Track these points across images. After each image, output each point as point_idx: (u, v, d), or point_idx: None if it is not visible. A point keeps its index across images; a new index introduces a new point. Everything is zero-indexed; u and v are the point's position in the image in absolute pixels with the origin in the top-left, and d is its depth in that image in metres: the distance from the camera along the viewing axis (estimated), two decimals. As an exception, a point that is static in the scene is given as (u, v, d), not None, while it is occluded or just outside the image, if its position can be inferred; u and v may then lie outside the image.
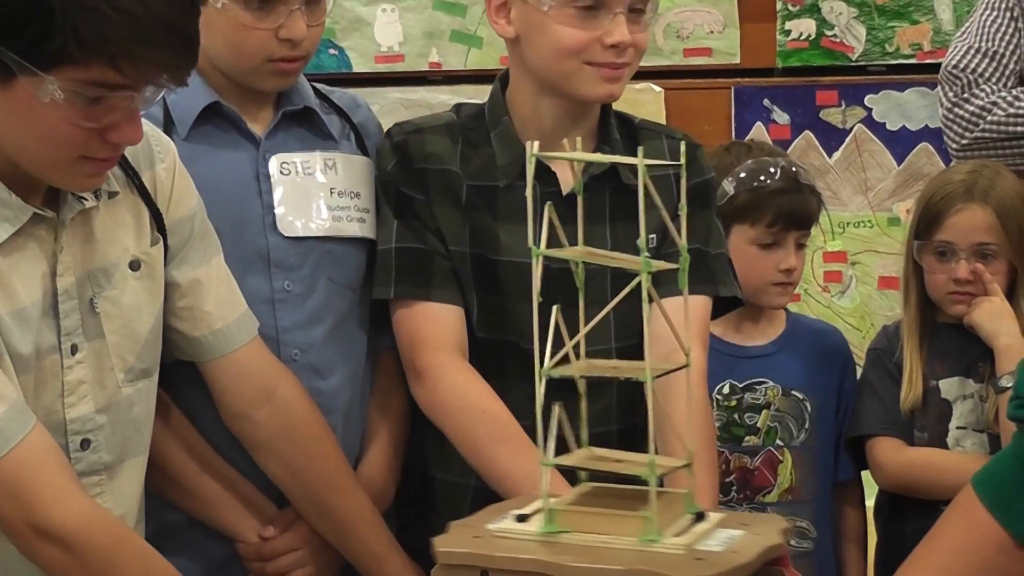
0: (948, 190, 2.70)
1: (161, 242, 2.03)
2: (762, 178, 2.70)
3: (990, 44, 3.03)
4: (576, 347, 1.65)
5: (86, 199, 1.92)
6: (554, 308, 1.62)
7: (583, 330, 1.66)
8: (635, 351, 1.77)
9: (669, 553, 1.54)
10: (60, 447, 1.88)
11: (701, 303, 2.28)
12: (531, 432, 1.88)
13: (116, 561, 1.84)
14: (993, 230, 2.66)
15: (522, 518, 1.62)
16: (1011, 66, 3.04)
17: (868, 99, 4.29)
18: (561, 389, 1.63)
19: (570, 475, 1.76)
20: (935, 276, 2.71)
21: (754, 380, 2.75)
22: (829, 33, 4.31)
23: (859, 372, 2.86)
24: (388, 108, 4.45)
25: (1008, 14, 3.04)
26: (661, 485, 1.65)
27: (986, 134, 2.99)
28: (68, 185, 1.89)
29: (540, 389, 1.61)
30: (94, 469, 1.96)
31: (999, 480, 1.70)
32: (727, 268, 2.35)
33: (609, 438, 2.09)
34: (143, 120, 1.86)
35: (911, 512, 2.66)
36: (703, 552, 1.55)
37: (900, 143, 4.28)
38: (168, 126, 2.18)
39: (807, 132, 4.32)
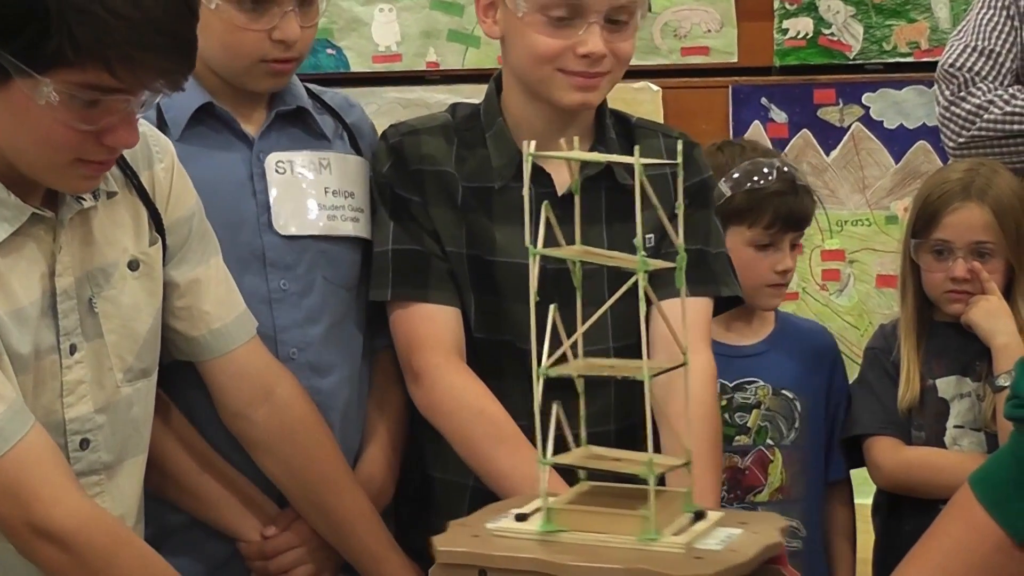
0: (945, 188, 2.70)
1: (160, 242, 2.04)
2: (758, 179, 2.70)
3: (986, 43, 3.03)
4: (574, 346, 1.65)
5: (85, 199, 1.92)
6: (551, 307, 1.62)
7: (580, 329, 1.66)
8: (633, 351, 1.77)
9: (668, 552, 1.54)
10: (59, 447, 1.88)
11: (703, 304, 2.28)
12: (529, 433, 1.89)
13: (114, 561, 1.84)
14: (990, 229, 2.66)
15: (521, 517, 1.63)
16: (1007, 64, 3.04)
17: (866, 97, 4.29)
18: (559, 389, 1.63)
19: (569, 475, 1.76)
20: (932, 275, 2.71)
21: (744, 380, 2.74)
22: (826, 32, 4.31)
23: (857, 371, 2.86)
24: (386, 108, 4.46)
25: (1004, 13, 3.04)
26: (662, 484, 1.65)
27: (982, 132, 2.99)
28: (64, 187, 1.89)
29: (538, 388, 1.61)
30: (93, 469, 1.96)
31: (997, 479, 1.70)
32: (728, 267, 2.35)
33: (607, 438, 2.09)
34: (141, 121, 1.86)
35: (909, 511, 2.66)
36: (702, 551, 1.55)
37: (898, 141, 4.28)
38: (161, 127, 2.18)
39: (805, 131, 4.33)
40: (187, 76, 1.81)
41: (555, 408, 1.61)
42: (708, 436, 2.18)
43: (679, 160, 1.67)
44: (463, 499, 2.27)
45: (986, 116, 2.99)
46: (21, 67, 1.73)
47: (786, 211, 2.70)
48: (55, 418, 1.91)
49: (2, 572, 1.90)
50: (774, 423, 2.75)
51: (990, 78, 3.03)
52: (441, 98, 4.31)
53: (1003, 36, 3.04)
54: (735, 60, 4.41)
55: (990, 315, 2.65)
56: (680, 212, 1.66)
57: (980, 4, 3.08)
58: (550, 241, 1.64)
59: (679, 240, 1.63)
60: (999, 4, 3.05)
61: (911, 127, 4.26)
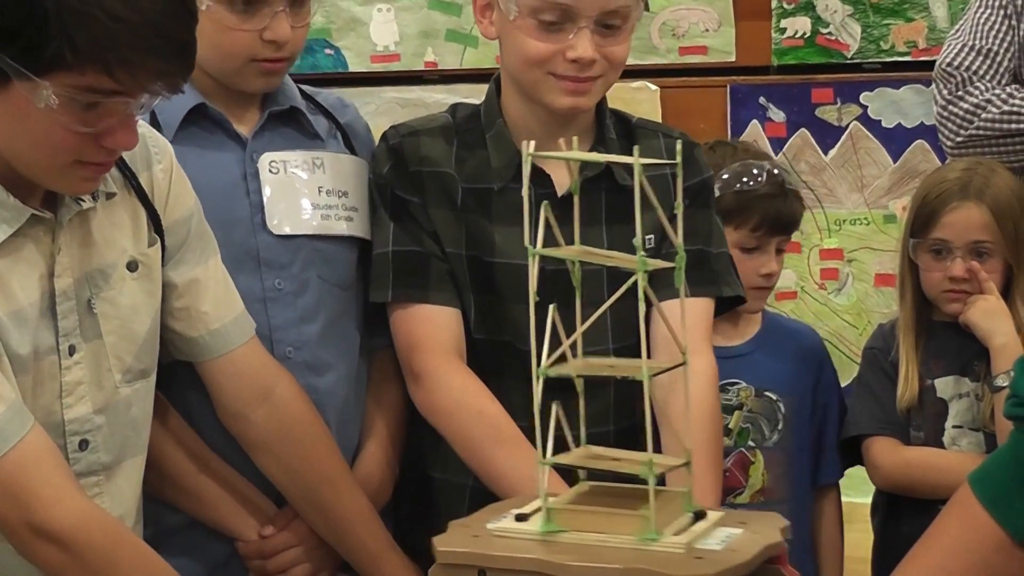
0: (943, 188, 2.70)
1: (158, 243, 2.04)
2: (747, 181, 2.70)
3: (984, 42, 3.03)
4: (573, 347, 1.65)
5: (84, 200, 1.92)
6: (550, 307, 1.62)
7: (580, 329, 1.66)
8: (632, 352, 1.78)
9: (668, 552, 1.54)
10: (58, 448, 1.88)
11: (704, 305, 2.28)
12: (529, 433, 1.89)
13: (114, 561, 1.84)
14: (989, 228, 2.66)
15: (521, 517, 1.63)
16: (1005, 64, 3.04)
17: (863, 97, 4.29)
18: (558, 390, 1.63)
19: (568, 475, 1.76)
20: (931, 274, 2.71)
21: (727, 381, 2.72)
22: (824, 31, 4.31)
23: (855, 370, 2.86)
24: (384, 107, 4.46)
25: (1002, 12, 3.04)
26: (662, 484, 1.65)
27: (980, 132, 2.99)
28: (63, 189, 1.89)
29: (537, 388, 1.61)
30: (92, 469, 1.96)
31: (996, 478, 1.70)
32: (729, 267, 2.34)
33: (606, 439, 2.09)
34: (140, 122, 1.86)
35: (907, 512, 2.65)
36: (702, 551, 1.55)
37: (896, 140, 4.28)
38: (155, 128, 2.18)
39: (803, 130, 4.33)
40: (186, 78, 1.81)
41: (555, 408, 1.61)
42: (709, 436, 2.18)
43: (678, 160, 1.67)
44: (462, 499, 2.27)
45: (984, 115, 2.99)
46: (20, 70, 1.73)
47: (773, 215, 2.71)
48: (54, 419, 1.91)
49: (3, 572, 1.90)
50: (756, 424, 2.74)
51: (988, 77, 3.03)
52: (439, 98, 4.32)
53: (1001, 35, 3.04)
54: (733, 59, 4.40)
55: (988, 315, 2.65)
56: (680, 212, 1.66)
57: (978, 3, 3.08)
58: (550, 242, 1.64)
59: (679, 240, 1.62)
60: (997, 3, 3.05)
61: (909, 126, 4.26)
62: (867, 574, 2.83)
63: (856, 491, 2.93)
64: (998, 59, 3.03)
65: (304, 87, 2.39)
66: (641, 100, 4.27)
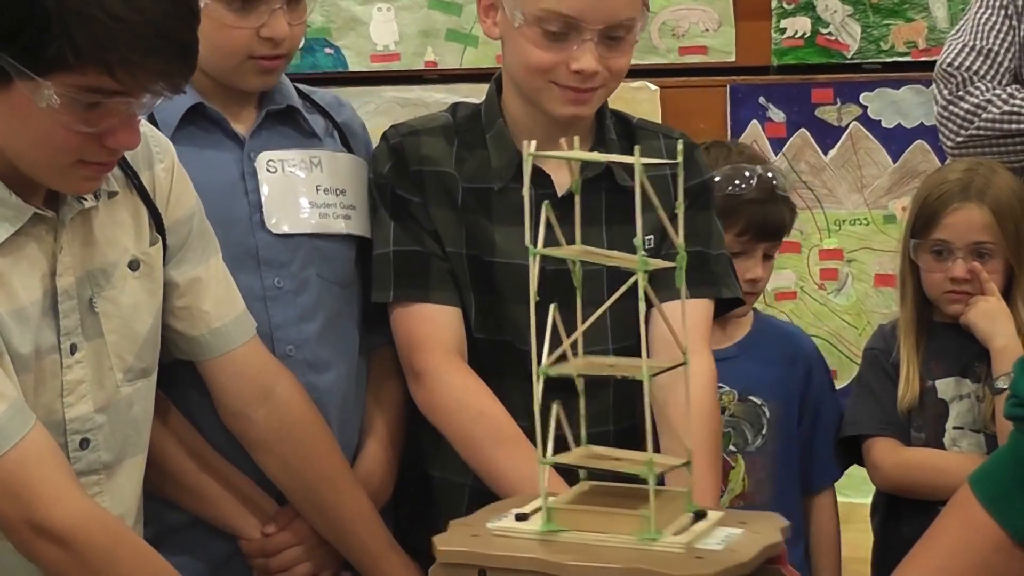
0: (944, 189, 2.70)
1: (160, 242, 2.04)
2: (737, 184, 2.68)
3: (985, 42, 3.03)
4: (573, 346, 1.65)
5: (86, 199, 1.92)
6: (551, 307, 1.62)
7: (580, 328, 1.66)
8: (632, 352, 1.77)
9: (668, 552, 1.54)
10: (59, 446, 1.88)
11: (703, 306, 2.28)
12: (530, 433, 1.89)
13: (114, 560, 1.85)
14: (990, 229, 2.66)
15: (521, 517, 1.63)
16: (1006, 64, 3.04)
17: (863, 97, 4.29)
18: (558, 390, 1.63)
19: (569, 475, 1.76)
20: (932, 275, 2.70)
21: None
22: (824, 31, 4.31)
23: (855, 370, 2.86)
24: (384, 107, 4.46)
25: (1003, 12, 3.04)
26: (662, 484, 1.65)
27: (981, 132, 2.99)
28: (65, 189, 1.89)
29: (538, 388, 1.61)
30: (93, 468, 1.96)
31: (996, 479, 1.70)
32: (728, 269, 2.34)
33: (606, 439, 2.09)
34: (142, 121, 1.86)
35: (907, 512, 2.65)
36: (702, 551, 1.55)
37: (895, 141, 4.28)
38: None
39: (803, 130, 4.32)
40: (188, 78, 1.82)
41: (555, 408, 1.61)
42: (708, 436, 2.17)
43: (679, 160, 1.67)
44: (462, 498, 2.27)
45: (984, 115, 2.99)
46: (22, 70, 1.73)
47: (760, 220, 2.69)
48: (55, 417, 1.91)
49: (2, 571, 1.90)
50: (738, 429, 2.72)
51: (988, 77, 3.03)
52: (439, 97, 4.31)
53: (1001, 35, 3.04)
54: (733, 59, 4.40)
55: (989, 316, 2.64)
56: (680, 212, 1.66)
57: (978, 3, 3.08)
58: (550, 242, 1.64)
59: (679, 240, 1.62)
60: (997, 3, 3.05)
61: (909, 126, 4.26)
62: (867, 575, 2.82)
63: (855, 491, 2.93)
64: (999, 59, 3.03)
65: (300, 86, 2.40)
66: (641, 100, 4.27)
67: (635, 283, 1.58)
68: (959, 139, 3.02)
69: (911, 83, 4.23)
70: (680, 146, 1.75)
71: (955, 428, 2.69)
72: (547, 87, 2.19)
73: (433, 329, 2.23)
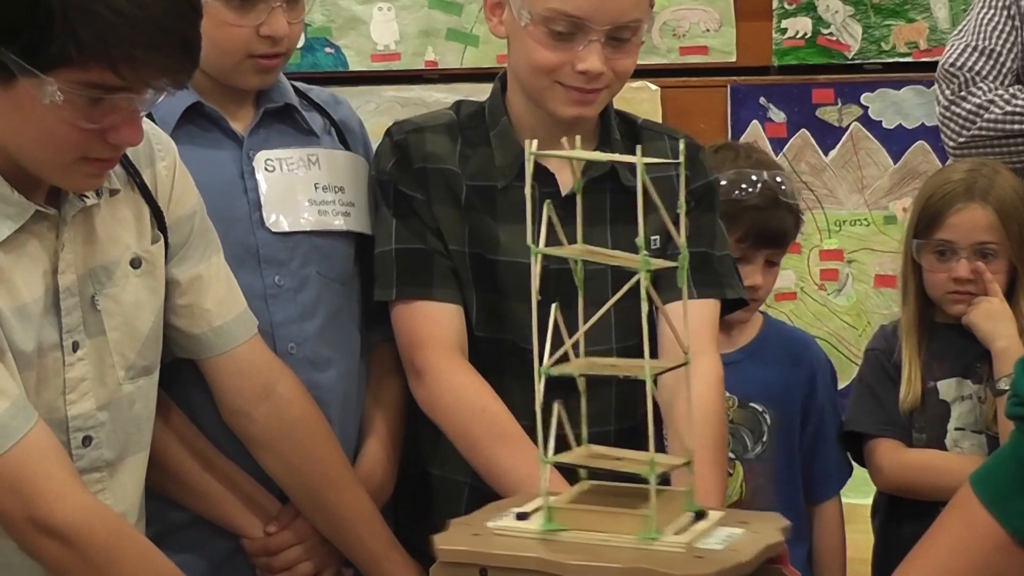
0: (948, 189, 2.69)
1: (162, 240, 2.04)
2: (740, 189, 2.65)
3: (987, 42, 3.03)
4: (575, 345, 1.65)
5: (88, 197, 1.93)
6: (553, 306, 1.62)
7: (582, 328, 1.66)
8: (636, 352, 1.77)
9: (669, 551, 1.54)
10: (62, 444, 1.88)
11: (709, 307, 2.27)
12: (530, 432, 1.89)
13: (116, 557, 1.85)
14: (994, 229, 2.65)
15: (522, 516, 1.62)
16: (1008, 64, 3.04)
17: (864, 97, 4.29)
18: (559, 389, 1.63)
19: (570, 474, 1.76)
20: (935, 275, 2.70)
21: None
22: (825, 31, 4.31)
23: (855, 371, 2.85)
24: (384, 106, 4.46)
25: (1005, 12, 3.04)
26: (665, 483, 1.65)
27: (983, 132, 2.99)
28: (69, 185, 1.89)
29: (539, 387, 1.61)
30: (95, 466, 1.97)
31: (997, 478, 1.70)
32: (732, 270, 2.34)
33: (607, 438, 2.08)
34: (144, 119, 1.86)
35: (908, 513, 2.65)
36: (703, 550, 1.55)
37: (896, 141, 4.28)
38: None
39: (803, 130, 4.32)
40: (191, 74, 1.82)
41: (556, 407, 1.61)
42: (713, 437, 2.16)
43: (681, 159, 1.67)
44: (461, 496, 2.28)
45: (986, 116, 2.99)
46: (25, 67, 1.73)
47: (760, 227, 2.64)
48: (57, 415, 1.91)
49: (3, 568, 1.90)
50: (737, 435, 2.67)
51: (990, 78, 3.03)
52: (439, 97, 4.31)
53: (1004, 36, 3.04)
54: (734, 60, 4.40)
55: (991, 317, 2.64)
56: (682, 212, 1.66)
57: (981, 4, 3.09)
58: (553, 241, 1.64)
59: (681, 239, 1.62)
60: (1000, 4, 3.05)
61: (910, 127, 4.26)
62: (867, 575, 2.82)
63: (856, 492, 2.92)
64: (1001, 60, 3.03)
65: (297, 84, 2.40)
66: (641, 100, 4.27)
67: (639, 283, 1.58)
68: (961, 139, 3.02)
69: (912, 84, 4.24)
70: (682, 145, 1.74)
71: (957, 429, 2.68)
72: (551, 87, 2.19)
73: (434, 327, 2.23)
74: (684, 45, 4.42)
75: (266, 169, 2.28)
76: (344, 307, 2.34)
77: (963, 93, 3.03)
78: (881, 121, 4.28)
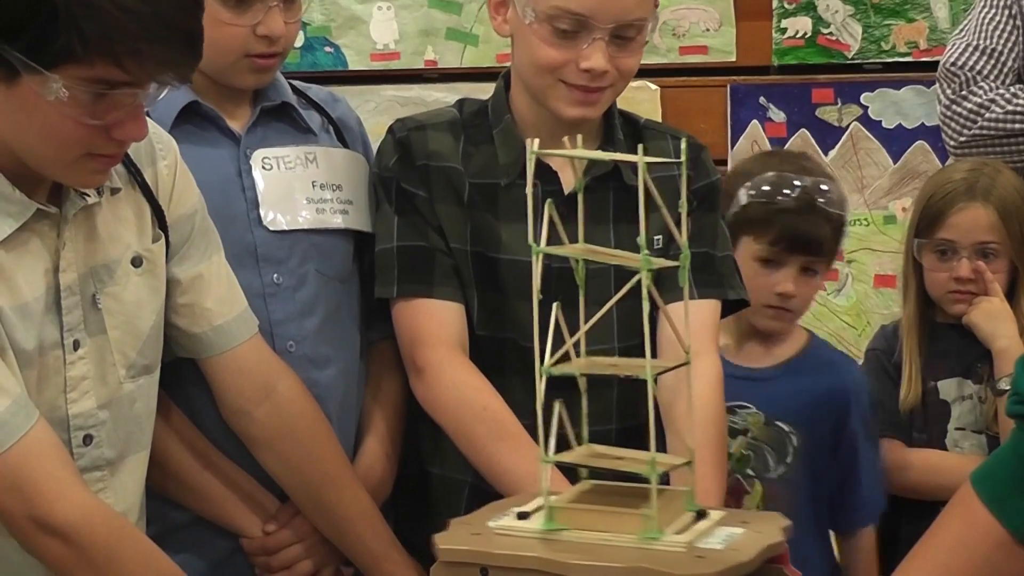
0: (950, 188, 2.69)
1: (163, 239, 2.04)
2: (777, 193, 2.60)
3: (988, 42, 3.03)
4: (576, 345, 1.65)
5: (88, 195, 1.93)
6: (554, 305, 1.62)
7: (583, 327, 1.66)
8: (637, 351, 1.77)
9: (669, 551, 1.54)
10: (63, 442, 1.88)
11: (710, 307, 2.27)
12: (531, 431, 1.89)
13: (117, 555, 1.85)
14: (995, 229, 2.66)
15: (523, 515, 1.63)
16: (1009, 64, 3.04)
17: (864, 97, 4.28)
18: (561, 388, 1.63)
19: (570, 474, 1.76)
20: (936, 275, 2.70)
21: (736, 403, 2.57)
22: (825, 31, 4.30)
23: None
24: (384, 106, 4.45)
25: (1006, 12, 3.05)
26: (667, 484, 1.65)
27: (984, 131, 2.99)
28: (73, 182, 1.89)
29: (540, 386, 1.61)
30: (96, 465, 1.96)
31: (998, 477, 1.70)
32: (734, 270, 2.33)
33: (607, 438, 2.08)
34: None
35: (908, 512, 2.65)
36: (703, 550, 1.55)
37: (896, 141, 4.27)
38: None
39: (803, 130, 4.32)
40: (194, 68, 1.82)
41: (557, 406, 1.61)
42: (713, 437, 2.16)
43: (683, 159, 1.67)
44: (461, 495, 2.27)
45: (987, 115, 2.99)
46: (29, 64, 1.73)
47: (792, 231, 2.58)
48: (58, 414, 1.91)
49: (4, 566, 1.90)
50: (759, 453, 2.62)
51: (992, 77, 3.03)
52: (439, 96, 4.31)
53: (1005, 35, 3.04)
54: (734, 59, 4.40)
55: (991, 317, 2.64)
56: (684, 211, 1.66)
57: (982, 3, 3.09)
58: (555, 240, 1.64)
59: (683, 239, 1.62)
60: (1001, 3, 3.05)
61: (910, 127, 4.25)
62: (868, 574, 2.82)
63: (856, 491, 2.92)
64: (1002, 59, 3.03)
65: (295, 82, 2.40)
66: (641, 100, 4.26)
67: (640, 282, 1.57)
68: (962, 139, 3.02)
69: (912, 83, 4.23)
70: (684, 144, 1.74)
71: (957, 429, 2.68)
72: (555, 86, 2.19)
73: (435, 325, 2.23)
74: (684, 45, 4.41)
75: (263, 167, 2.28)
76: (343, 305, 2.34)
77: (964, 92, 3.03)
78: (881, 121, 4.27)
